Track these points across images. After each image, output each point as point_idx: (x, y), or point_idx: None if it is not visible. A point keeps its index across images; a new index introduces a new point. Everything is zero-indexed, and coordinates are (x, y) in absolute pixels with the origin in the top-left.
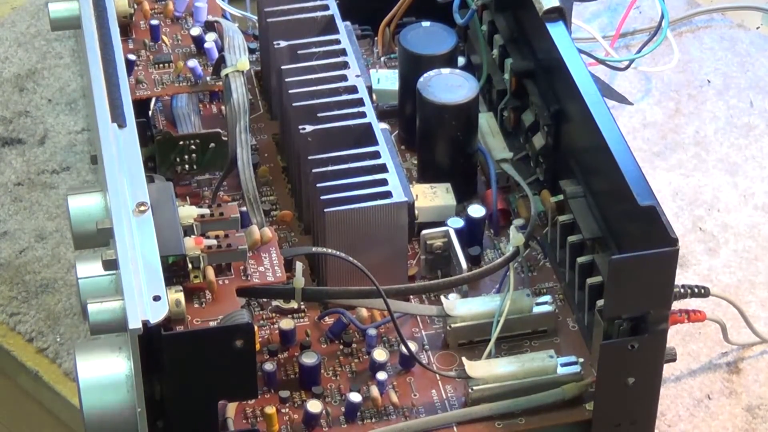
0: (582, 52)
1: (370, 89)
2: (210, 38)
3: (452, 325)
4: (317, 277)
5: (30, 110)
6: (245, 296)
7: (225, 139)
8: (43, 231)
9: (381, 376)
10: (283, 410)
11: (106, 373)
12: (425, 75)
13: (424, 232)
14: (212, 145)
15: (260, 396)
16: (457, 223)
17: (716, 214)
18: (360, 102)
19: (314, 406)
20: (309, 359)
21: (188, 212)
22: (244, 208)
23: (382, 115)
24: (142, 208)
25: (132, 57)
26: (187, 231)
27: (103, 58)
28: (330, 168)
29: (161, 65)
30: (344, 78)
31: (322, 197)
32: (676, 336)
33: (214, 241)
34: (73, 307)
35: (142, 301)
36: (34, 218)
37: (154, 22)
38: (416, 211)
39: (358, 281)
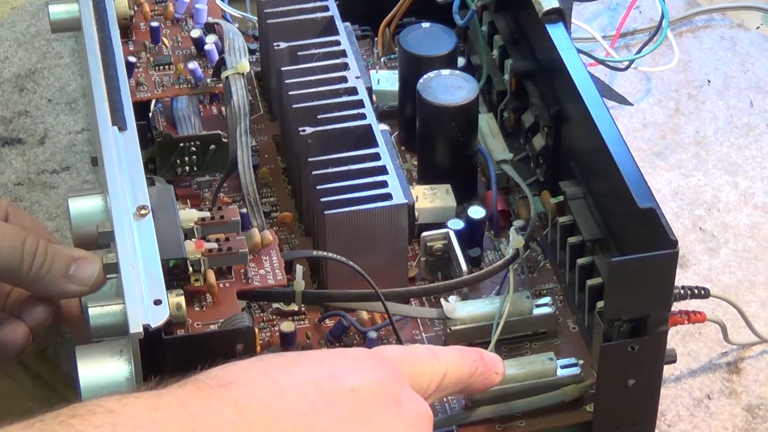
0: (582, 53)
1: (370, 90)
2: (210, 40)
3: (452, 328)
4: (318, 280)
5: (30, 110)
6: (246, 299)
7: (225, 140)
8: None
9: None
10: None
11: (106, 377)
12: (425, 76)
13: (424, 233)
14: (212, 146)
15: None
16: (457, 224)
17: (716, 214)
18: (360, 103)
19: None
20: None
21: (189, 215)
22: (244, 210)
23: (382, 117)
24: (143, 211)
25: (132, 59)
26: (188, 234)
27: (103, 60)
28: (330, 170)
29: (161, 67)
30: (344, 79)
31: (322, 199)
32: (676, 336)
33: (214, 245)
34: None
35: (142, 304)
36: (34, 217)
37: (155, 23)
38: (416, 213)
39: (359, 284)
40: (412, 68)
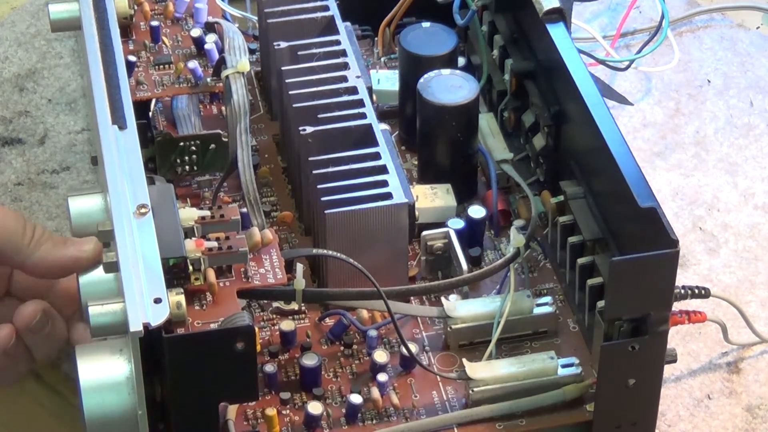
0: (582, 52)
1: (370, 90)
2: (210, 39)
3: (453, 327)
4: (318, 279)
5: (30, 110)
6: (246, 298)
7: (225, 140)
8: None
9: (382, 377)
10: (283, 412)
11: (106, 376)
12: (425, 76)
13: (424, 233)
14: (212, 146)
15: (261, 398)
16: (458, 224)
17: (716, 214)
18: (360, 103)
19: (315, 407)
20: (310, 361)
21: (189, 214)
22: (244, 209)
23: (382, 116)
24: (143, 210)
25: (132, 58)
26: (188, 233)
27: (103, 59)
28: (330, 169)
29: (161, 66)
30: (344, 79)
31: (322, 198)
32: (676, 336)
33: (214, 243)
34: None
35: (142, 303)
36: (34, 218)
37: (155, 23)
38: (417, 212)
39: (359, 282)
40: (413, 68)
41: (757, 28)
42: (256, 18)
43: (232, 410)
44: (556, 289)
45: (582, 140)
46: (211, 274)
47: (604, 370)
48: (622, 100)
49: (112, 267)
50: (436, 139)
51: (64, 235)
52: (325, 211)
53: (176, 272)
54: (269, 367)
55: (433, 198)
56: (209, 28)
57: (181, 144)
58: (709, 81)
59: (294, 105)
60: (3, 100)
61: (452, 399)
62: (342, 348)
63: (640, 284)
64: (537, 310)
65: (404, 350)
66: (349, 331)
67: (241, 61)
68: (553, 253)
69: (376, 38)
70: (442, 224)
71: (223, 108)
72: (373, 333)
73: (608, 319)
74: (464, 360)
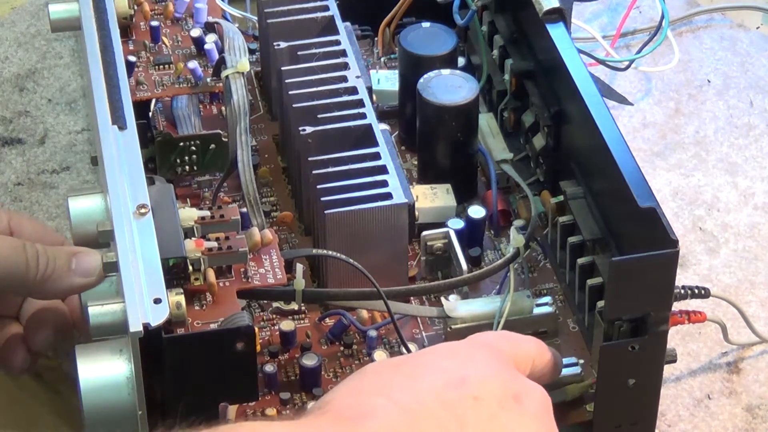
0: (582, 52)
1: (370, 90)
2: (210, 39)
3: (453, 327)
4: (318, 279)
5: (30, 110)
6: (246, 298)
7: (225, 140)
8: None
9: None
10: (283, 412)
11: (106, 376)
12: (425, 76)
13: (424, 233)
14: (212, 146)
15: (261, 398)
16: (458, 224)
17: (716, 214)
18: (360, 103)
19: None
20: (309, 361)
21: (189, 214)
22: (244, 209)
23: (382, 116)
24: (143, 210)
25: (132, 58)
26: (188, 233)
27: (103, 59)
28: (330, 169)
29: (161, 66)
30: (344, 79)
31: (322, 199)
32: (676, 336)
33: (214, 244)
34: None
35: (142, 303)
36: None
37: (155, 23)
38: (416, 212)
39: (359, 283)
40: (413, 68)
41: (757, 28)
42: (256, 18)
43: (232, 410)
44: (556, 289)
45: (582, 140)
46: (211, 275)
47: (604, 370)
48: (622, 100)
49: (112, 267)
50: (436, 139)
51: (64, 235)
52: (325, 211)
53: (176, 272)
54: (269, 368)
55: (432, 198)
56: (209, 28)
57: (181, 144)
58: (709, 81)
59: (294, 105)
60: (3, 100)
61: None
62: (342, 348)
63: (640, 284)
64: (537, 310)
65: (404, 350)
66: (349, 332)
67: (241, 61)
68: (553, 253)
69: (376, 38)
70: (442, 224)
71: (223, 108)
72: (373, 333)
73: (608, 319)
74: None
